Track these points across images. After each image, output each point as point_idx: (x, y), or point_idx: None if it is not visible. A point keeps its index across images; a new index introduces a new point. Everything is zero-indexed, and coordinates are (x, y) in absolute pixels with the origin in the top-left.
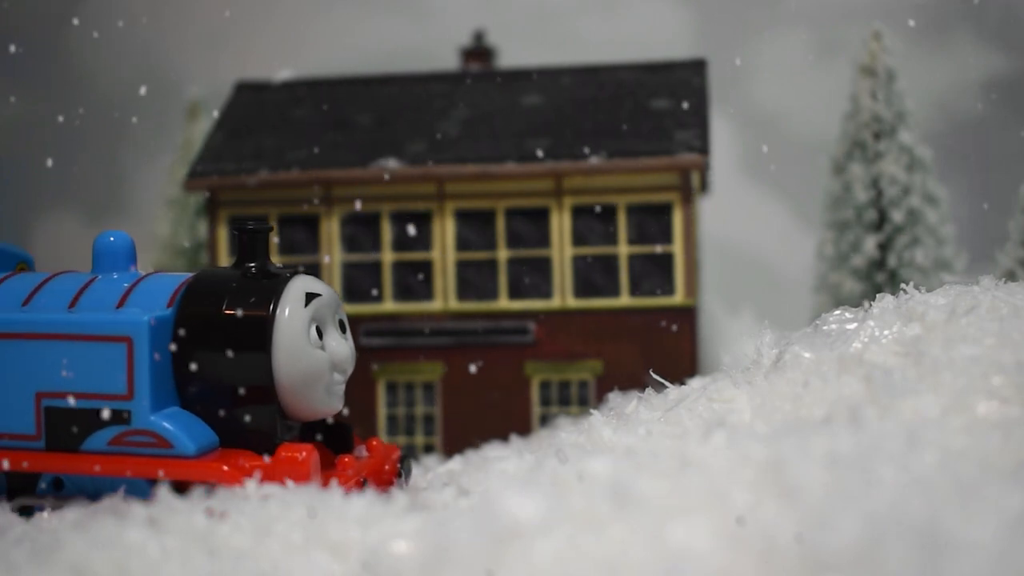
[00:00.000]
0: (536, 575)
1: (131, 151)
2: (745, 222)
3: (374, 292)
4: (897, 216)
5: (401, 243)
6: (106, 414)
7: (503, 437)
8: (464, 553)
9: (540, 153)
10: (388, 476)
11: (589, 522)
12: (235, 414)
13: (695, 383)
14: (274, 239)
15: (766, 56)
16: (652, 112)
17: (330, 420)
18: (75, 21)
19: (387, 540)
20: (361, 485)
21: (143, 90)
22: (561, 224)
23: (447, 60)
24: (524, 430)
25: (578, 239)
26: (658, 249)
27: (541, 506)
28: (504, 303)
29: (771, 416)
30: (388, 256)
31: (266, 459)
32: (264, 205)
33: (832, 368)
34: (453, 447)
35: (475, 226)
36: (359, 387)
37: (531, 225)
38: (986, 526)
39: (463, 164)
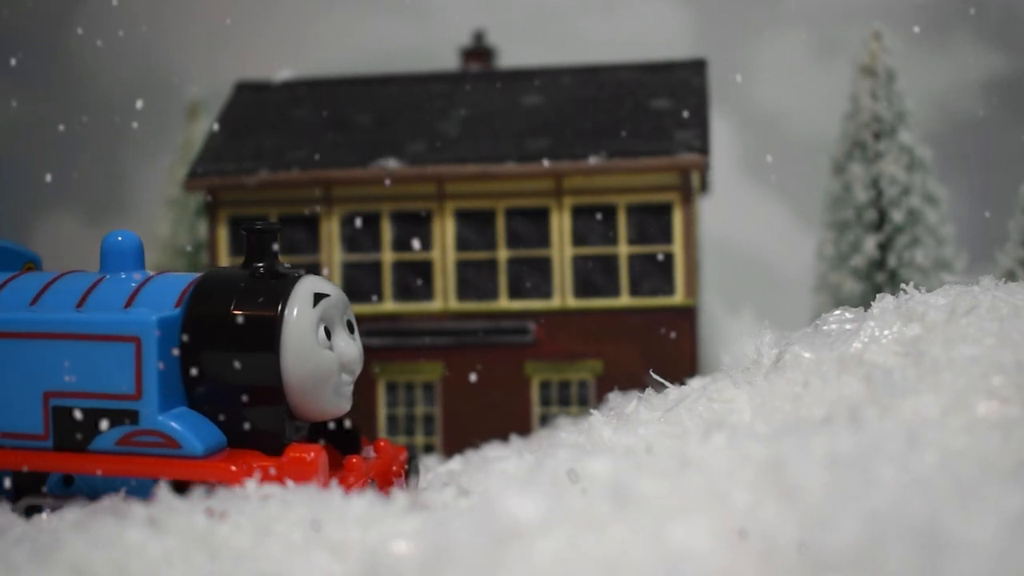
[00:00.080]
0: (536, 575)
1: (131, 151)
2: (745, 222)
3: (374, 297)
4: (897, 216)
5: (401, 243)
6: (113, 415)
7: (503, 437)
8: (464, 553)
9: (546, 163)
10: (395, 477)
11: (589, 522)
12: (243, 414)
13: (695, 383)
14: None
15: (766, 56)
16: (652, 112)
17: (332, 424)
18: (75, 22)
19: (387, 540)
20: (368, 486)
21: (139, 103)
22: (561, 224)
23: (447, 60)
24: (524, 430)
25: (578, 239)
26: (658, 249)
27: (541, 506)
28: (504, 303)
29: (771, 416)
30: (388, 256)
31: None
32: (264, 205)
33: (832, 368)
34: (453, 447)
35: (475, 226)
36: (359, 387)
37: (531, 225)
38: (986, 526)
39: (463, 164)
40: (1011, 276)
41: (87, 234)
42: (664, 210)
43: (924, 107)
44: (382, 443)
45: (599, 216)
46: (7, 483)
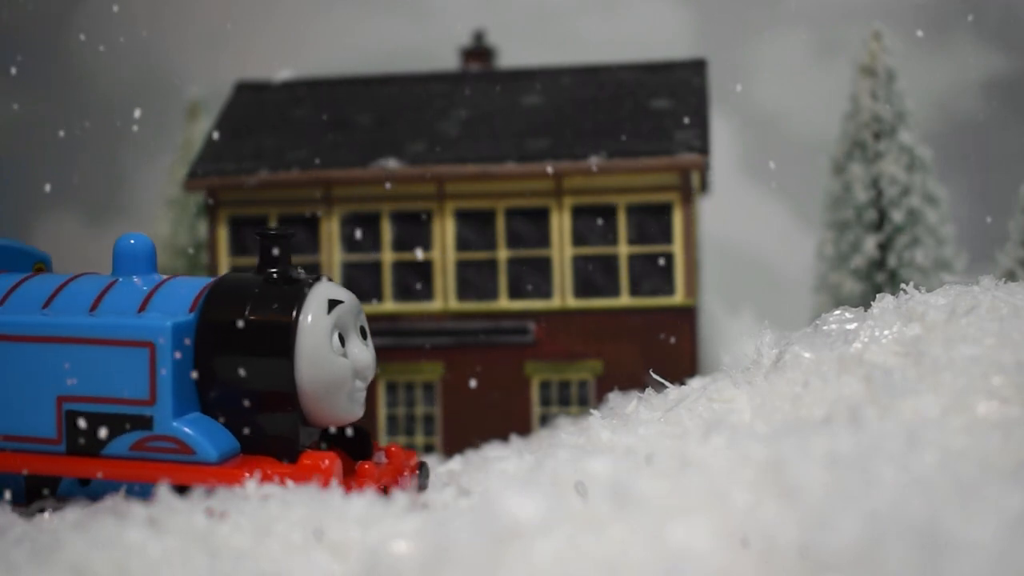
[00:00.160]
0: (536, 575)
1: (131, 151)
2: (745, 222)
3: (374, 300)
4: (897, 216)
5: (401, 243)
6: (127, 421)
7: (503, 437)
8: (464, 553)
9: (549, 170)
10: (406, 482)
11: (589, 522)
12: (257, 421)
13: (695, 383)
14: None
15: (766, 56)
16: (652, 112)
17: (348, 431)
18: (75, 22)
19: (387, 540)
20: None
21: (138, 113)
22: (561, 224)
23: (447, 60)
24: (524, 430)
25: (578, 239)
26: (658, 249)
27: (541, 506)
28: (504, 303)
29: (771, 416)
30: (388, 256)
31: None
32: (264, 205)
33: (832, 368)
34: (453, 447)
35: (475, 226)
36: None
37: (531, 225)
38: (986, 526)
39: (463, 164)
40: (1011, 276)
41: (87, 234)
42: (664, 210)
43: (924, 107)
44: (393, 448)
45: (599, 217)
46: (12, 488)
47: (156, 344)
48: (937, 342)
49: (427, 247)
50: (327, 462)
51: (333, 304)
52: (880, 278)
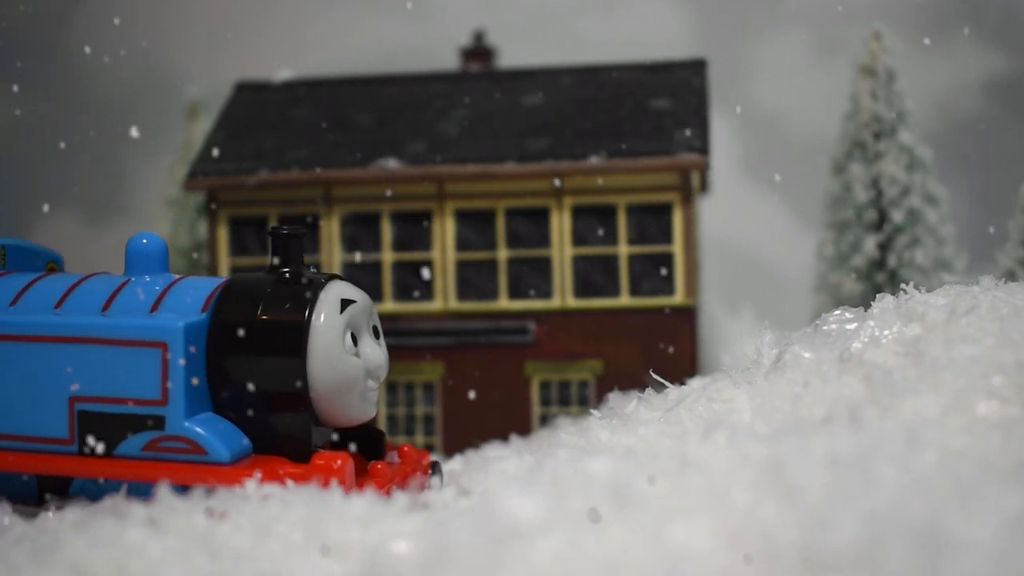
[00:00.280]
0: (536, 575)
1: (131, 151)
2: (745, 222)
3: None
4: (897, 216)
5: (401, 243)
6: (139, 421)
7: (503, 437)
8: (464, 553)
9: (553, 178)
10: (418, 481)
11: (589, 522)
12: (269, 421)
13: (695, 383)
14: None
15: (766, 56)
16: (652, 112)
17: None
18: (75, 21)
19: (387, 540)
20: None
21: (134, 131)
22: (561, 224)
23: (447, 60)
24: (524, 430)
25: (578, 239)
26: (658, 249)
27: (541, 506)
28: (504, 303)
29: (771, 416)
30: (388, 256)
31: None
32: (264, 205)
33: (832, 368)
34: (453, 447)
35: (475, 226)
36: None
37: (531, 225)
38: (986, 526)
39: (463, 164)
40: (1011, 276)
41: (87, 234)
42: (664, 210)
43: (924, 107)
44: (406, 448)
45: (599, 217)
46: (23, 487)
47: (168, 344)
48: (937, 342)
49: (427, 248)
50: (339, 462)
51: (346, 304)
52: (880, 278)
